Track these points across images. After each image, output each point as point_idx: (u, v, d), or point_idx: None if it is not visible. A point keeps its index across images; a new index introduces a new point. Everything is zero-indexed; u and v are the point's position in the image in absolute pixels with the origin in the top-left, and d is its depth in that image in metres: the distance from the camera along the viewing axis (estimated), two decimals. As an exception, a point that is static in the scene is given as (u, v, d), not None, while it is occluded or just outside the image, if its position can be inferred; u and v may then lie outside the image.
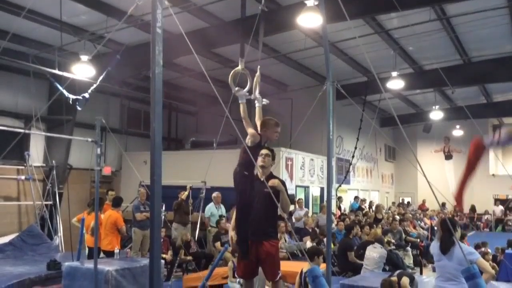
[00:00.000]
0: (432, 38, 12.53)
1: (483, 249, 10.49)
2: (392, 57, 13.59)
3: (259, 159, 5.05)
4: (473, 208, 23.91)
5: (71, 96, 7.19)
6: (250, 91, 5.13)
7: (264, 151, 5.10)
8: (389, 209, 19.71)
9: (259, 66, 5.32)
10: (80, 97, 7.06)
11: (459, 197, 5.93)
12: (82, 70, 10.37)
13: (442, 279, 4.88)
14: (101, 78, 7.06)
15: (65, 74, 10.25)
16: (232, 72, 5.17)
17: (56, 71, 10.58)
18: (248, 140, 4.83)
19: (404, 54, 14.12)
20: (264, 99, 5.23)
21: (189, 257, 10.03)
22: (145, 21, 10.12)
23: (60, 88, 7.44)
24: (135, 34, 11.17)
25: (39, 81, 12.73)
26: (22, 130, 9.41)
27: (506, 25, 12.10)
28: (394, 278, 6.68)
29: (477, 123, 16.58)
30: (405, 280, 6.57)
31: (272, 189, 4.74)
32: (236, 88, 4.97)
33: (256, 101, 5.16)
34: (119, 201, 9.47)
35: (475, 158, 5.53)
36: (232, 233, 5.21)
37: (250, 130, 4.84)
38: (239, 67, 5.26)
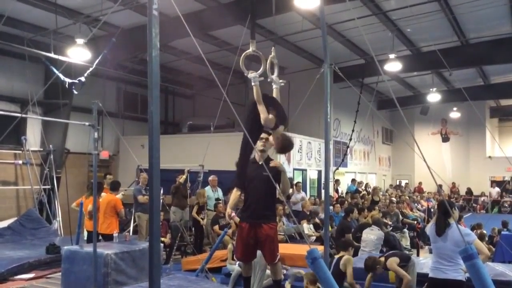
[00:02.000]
0: (430, 20, 12.44)
1: (478, 231, 10.58)
2: (390, 39, 13.51)
3: (259, 143, 5.05)
4: (469, 190, 24.06)
5: (67, 80, 7.15)
6: (264, 73, 5.09)
7: (264, 135, 5.10)
8: (386, 191, 19.81)
9: (273, 47, 5.25)
10: (76, 81, 7.02)
11: None
12: (78, 53, 10.27)
13: (438, 260, 4.91)
14: (97, 61, 7.02)
15: (60, 57, 10.16)
16: (243, 54, 5.11)
17: (52, 55, 10.48)
18: (263, 121, 4.83)
19: (402, 36, 14.04)
20: (281, 80, 5.16)
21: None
22: (141, 3, 10.01)
23: (56, 72, 7.39)
24: (131, 16, 11.05)
25: (34, 65, 12.62)
26: (18, 115, 9.34)
27: (504, 6, 12.02)
28: (382, 258, 6.79)
29: (474, 105, 16.68)
30: (392, 261, 6.62)
31: (274, 170, 4.77)
32: (250, 71, 4.92)
33: (273, 83, 5.10)
34: (117, 185, 9.46)
35: None
36: (229, 210, 5.28)
37: (264, 115, 4.79)
38: (250, 49, 5.20)
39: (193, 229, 11.51)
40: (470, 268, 3.19)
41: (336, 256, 6.89)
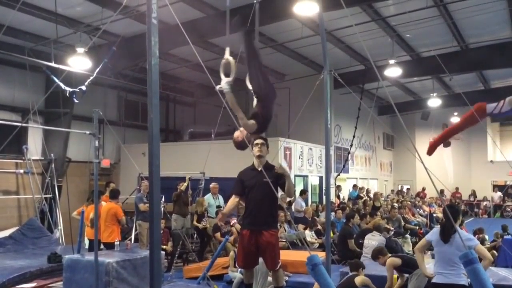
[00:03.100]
0: (430, 25, 12.48)
1: (480, 235, 10.55)
2: (389, 44, 13.55)
3: (255, 149, 5.03)
4: (474, 193, 23.97)
5: (68, 89, 7.17)
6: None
7: (259, 141, 5.07)
8: (388, 197, 19.77)
9: (227, 48, 5.17)
10: (77, 90, 7.04)
11: (434, 144, 5.97)
12: (78, 62, 10.32)
13: (440, 265, 4.91)
14: (97, 70, 7.03)
15: (61, 66, 10.20)
16: (221, 62, 5.07)
17: (52, 64, 10.52)
18: (243, 126, 4.81)
19: (401, 41, 14.08)
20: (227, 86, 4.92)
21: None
22: (141, 12, 10.05)
23: (57, 80, 7.41)
24: (130, 25, 11.08)
25: (35, 74, 12.68)
26: (19, 124, 9.36)
27: (503, 11, 12.04)
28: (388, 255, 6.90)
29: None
30: (391, 260, 6.65)
31: (273, 176, 4.77)
32: (225, 78, 4.86)
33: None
34: (116, 193, 9.46)
35: (469, 122, 5.59)
36: (220, 215, 5.37)
37: (244, 121, 4.75)
38: (225, 56, 5.15)
39: (195, 237, 11.51)
40: (471, 273, 3.18)
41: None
